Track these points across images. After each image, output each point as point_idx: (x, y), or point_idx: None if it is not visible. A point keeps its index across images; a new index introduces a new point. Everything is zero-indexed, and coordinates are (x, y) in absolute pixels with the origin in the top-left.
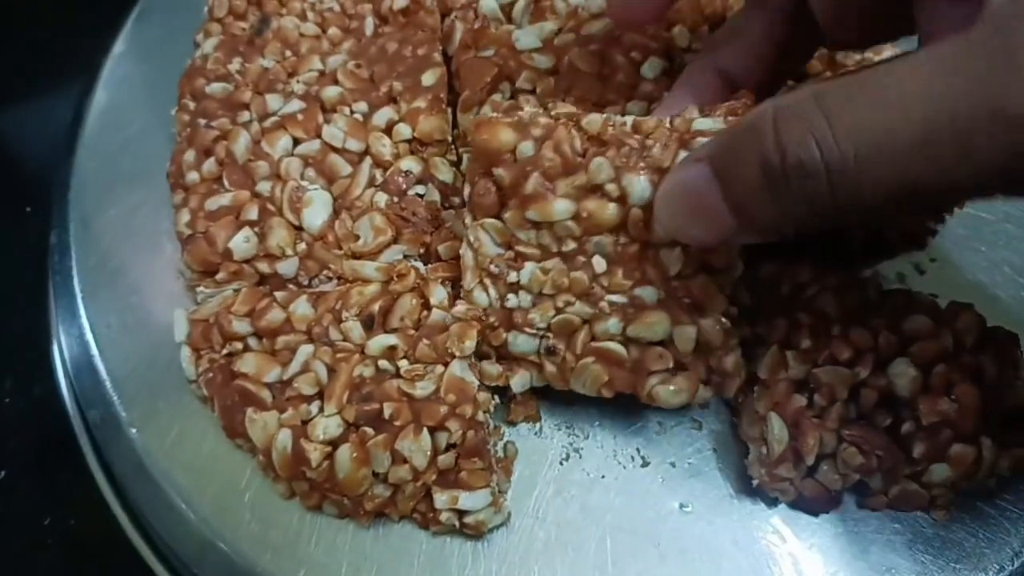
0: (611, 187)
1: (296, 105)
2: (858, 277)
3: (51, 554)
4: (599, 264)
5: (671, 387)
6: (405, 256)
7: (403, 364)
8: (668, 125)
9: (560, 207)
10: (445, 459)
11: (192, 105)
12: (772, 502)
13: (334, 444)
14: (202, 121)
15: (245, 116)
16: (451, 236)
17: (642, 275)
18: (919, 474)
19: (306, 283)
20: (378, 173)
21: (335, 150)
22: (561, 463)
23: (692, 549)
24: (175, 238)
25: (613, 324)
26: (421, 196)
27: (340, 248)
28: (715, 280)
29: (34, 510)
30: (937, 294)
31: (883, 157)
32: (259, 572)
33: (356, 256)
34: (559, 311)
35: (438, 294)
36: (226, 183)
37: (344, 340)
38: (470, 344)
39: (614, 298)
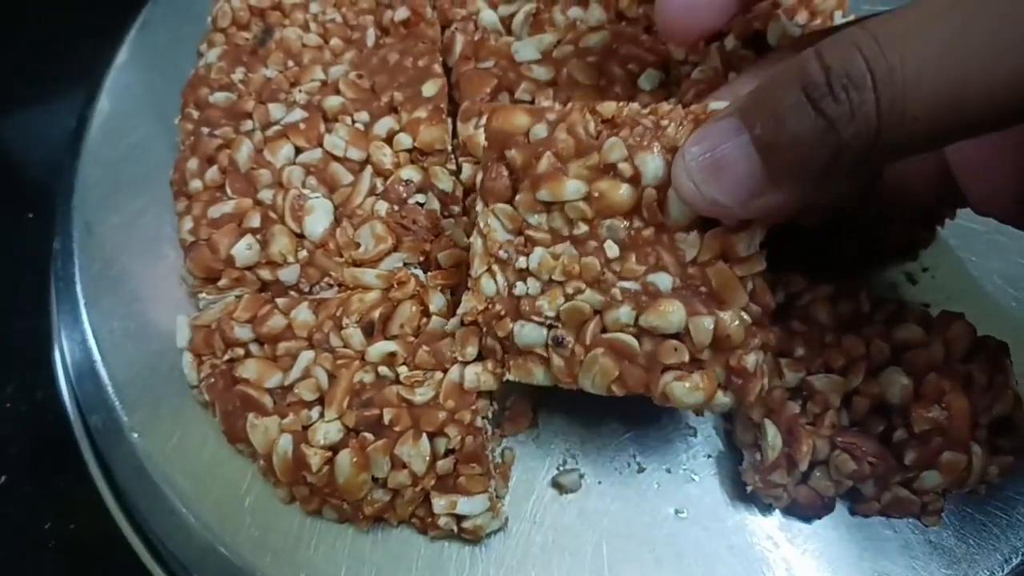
0: (624, 166)
1: (298, 114)
2: (851, 286)
3: (52, 558)
4: (611, 249)
5: (687, 384)
6: (405, 264)
7: (403, 370)
8: (683, 109)
9: (572, 187)
10: (444, 464)
11: (195, 114)
12: (766, 508)
13: (334, 449)
14: (205, 130)
15: (248, 125)
16: (451, 244)
17: (656, 260)
18: (911, 481)
19: (307, 290)
20: (379, 182)
21: (336, 159)
22: (558, 469)
23: (687, 554)
24: (177, 245)
25: (625, 313)
26: (421, 205)
27: (341, 256)
28: (734, 270)
29: (35, 514)
30: (929, 303)
31: (931, 66)
32: None
33: (357, 264)
34: (568, 298)
35: (437, 301)
36: (229, 191)
37: (344, 346)
38: (472, 351)
39: (626, 284)
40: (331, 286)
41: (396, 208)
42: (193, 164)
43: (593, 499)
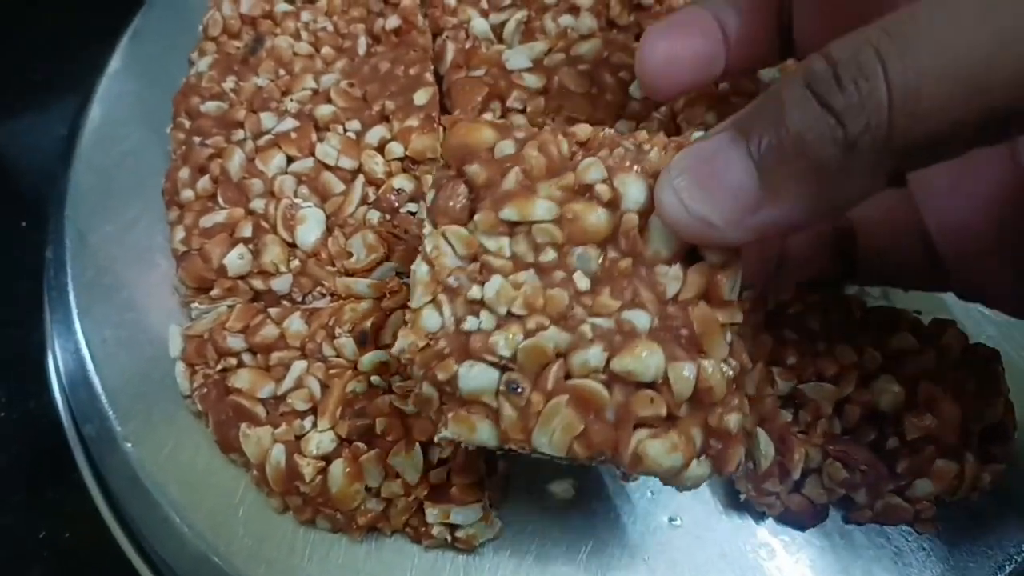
0: (602, 188)
1: (290, 123)
2: (842, 294)
3: (45, 567)
4: (582, 281)
5: (664, 443)
6: (397, 273)
7: (395, 380)
8: (666, 138)
9: (542, 207)
10: (437, 474)
11: (187, 123)
12: (760, 516)
13: (327, 459)
14: (197, 139)
15: (239, 134)
16: None
17: (633, 296)
18: (903, 489)
19: (300, 300)
20: (371, 191)
21: (328, 168)
22: (552, 477)
23: (680, 562)
24: (170, 254)
25: (595, 354)
26: (413, 214)
27: (333, 265)
28: (716, 315)
29: (28, 523)
30: (920, 311)
31: (950, 50)
32: None
33: (349, 273)
34: (529, 334)
35: None
36: (220, 200)
37: (337, 356)
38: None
39: (598, 322)
40: (323, 296)
41: (388, 217)
42: (185, 173)
43: (586, 507)
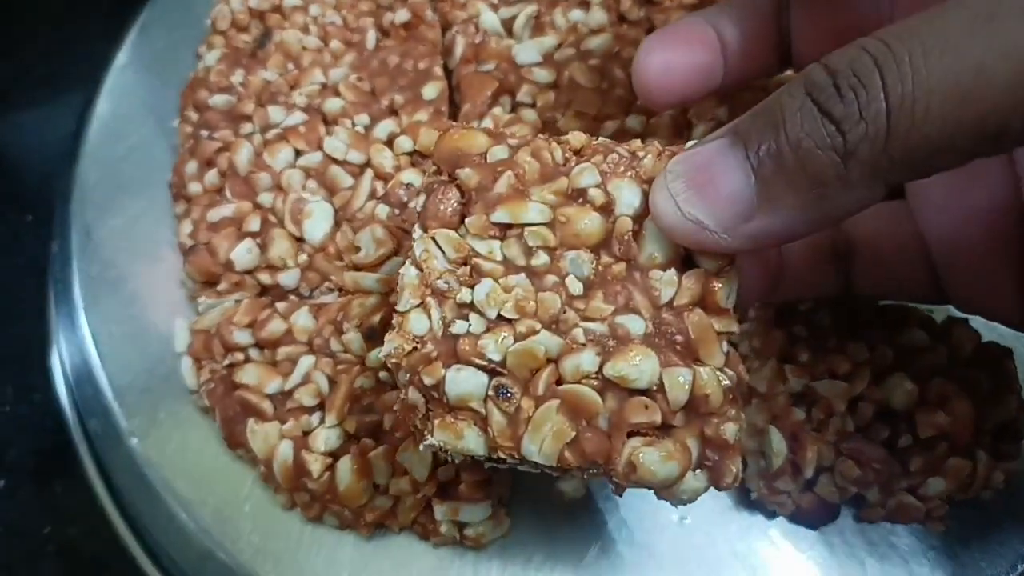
0: (595, 193)
1: (298, 117)
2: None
3: (50, 563)
4: (574, 285)
5: (659, 451)
6: None
7: None
8: (660, 146)
9: (535, 210)
10: (445, 471)
11: (194, 117)
12: (770, 514)
13: (335, 455)
14: (204, 132)
15: (247, 128)
16: None
17: (627, 301)
18: (915, 487)
19: (307, 294)
20: (379, 185)
21: (336, 162)
22: (561, 475)
23: (691, 560)
24: (176, 248)
25: (588, 359)
26: None
27: (341, 260)
28: (712, 322)
29: (33, 519)
30: (932, 309)
31: (946, 57)
32: None
33: (357, 268)
34: (520, 338)
35: None
36: (228, 194)
37: (345, 351)
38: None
39: (591, 326)
40: (331, 290)
41: (397, 212)
42: (192, 167)
43: (596, 506)
